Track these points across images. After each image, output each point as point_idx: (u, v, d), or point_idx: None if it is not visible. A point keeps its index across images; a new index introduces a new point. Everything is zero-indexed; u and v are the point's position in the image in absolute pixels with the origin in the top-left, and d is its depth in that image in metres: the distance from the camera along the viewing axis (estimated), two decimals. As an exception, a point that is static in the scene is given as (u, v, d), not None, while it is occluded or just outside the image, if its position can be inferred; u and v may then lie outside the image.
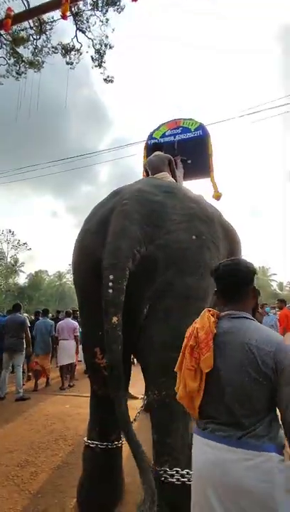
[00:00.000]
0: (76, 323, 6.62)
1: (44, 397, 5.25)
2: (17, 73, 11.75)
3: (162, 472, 1.68)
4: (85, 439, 2.18)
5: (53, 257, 72.85)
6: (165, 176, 3.63)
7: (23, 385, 5.70)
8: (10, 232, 36.13)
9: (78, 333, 6.44)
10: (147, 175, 3.86)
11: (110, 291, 1.68)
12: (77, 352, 6.57)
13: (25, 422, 4.02)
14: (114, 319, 1.64)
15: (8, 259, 36.50)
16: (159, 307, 1.86)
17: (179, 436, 1.75)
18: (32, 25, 10.72)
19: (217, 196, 4.47)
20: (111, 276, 1.70)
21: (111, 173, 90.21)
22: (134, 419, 2.49)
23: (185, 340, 1.25)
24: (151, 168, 3.85)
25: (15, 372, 5.28)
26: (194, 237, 1.95)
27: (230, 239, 2.35)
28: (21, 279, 42.55)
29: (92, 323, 2.07)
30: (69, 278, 49.14)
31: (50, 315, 9.04)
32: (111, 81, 12.96)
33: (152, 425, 1.85)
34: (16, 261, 37.17)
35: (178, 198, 2.12)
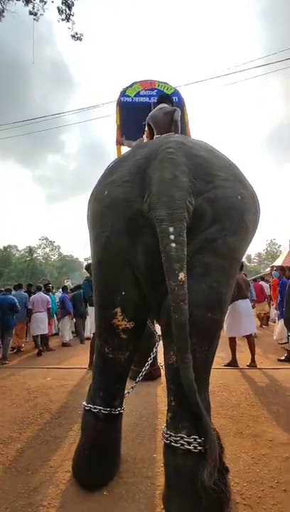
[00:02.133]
0: (48, 297, 7.32)
1: (23, 370, 5.02)
2: (-27, 22, 10.36)
3: (178, 438, 1.58)
4: (85, 403, 2.08)
5: (22, 231, 70.37)
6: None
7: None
8: (-26, 205, 33.89)
9: (50, 306, 7.24)
10: (150, 131, 3.44)
11: (173, 245, 1.52)
12: (50, 323, 7.44)
13: (5, 396, 3.79)
14: (181, 276, 1.50)
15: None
16: (198, 263, 1.71)
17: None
18: None
19: None
20: (171, 229, 1.54)
21: (80, 144, 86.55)
22: (132, 388, 2.35)
23: None
24: (157, 126, 3.38)
25: None
26: (239, 197, 1.84)
27: (257, 210, 2.22)
28: (-11, 255, 40.85)
29: (114, 283, 1.91)
30: (40, 253, 47.86)
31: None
32: (80, 38, 11.75)
33: (169, 389, 1.72)
34: (-18, 236, 35.30)
35: (218, 157, 2.00)
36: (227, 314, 4.95)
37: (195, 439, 1.55)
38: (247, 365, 4.72)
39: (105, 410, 1.99)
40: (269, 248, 46.92)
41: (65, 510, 1.86)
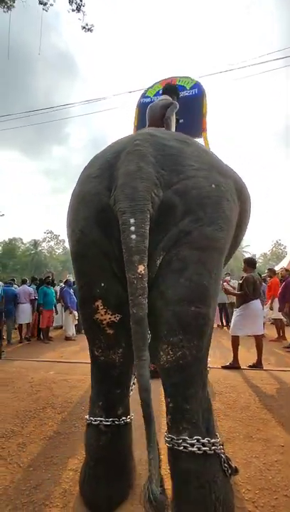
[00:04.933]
0: (31, 289, 8.26)
1: (25, 363, 4.96)
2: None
3: (181, 441, 1.49)
4: (87, 416, 1.88)
5: (28, 224, 70.71)
6: None
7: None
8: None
9: (33, 298, 8.08)
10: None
11: (133, 236, 1.46)
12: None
13: (7, 389, 3.72)
14: (141, 268, 1.44)
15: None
16: (175, 258, 1.63)
17: (198, 401, 1.55)
18: None
19: None
20: (132, 220, 1.49)
21: (84, 137, 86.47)
22: (132, 386, 2.22)
23: None
24: (151, 119, 3.33)
25: None
26: (213, 186, 1.74)
27: (243, 197, 2.12)
28: (-6, 247, 41.07)
29: (93, 275, 1.81)
30: (45, 246, 47.98)
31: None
32: (91, 30, 11.50)
33: (165, 390, 1.62)
34: (-12, 228, 35.45)
35: (193, 146, 1.90)
36: (237, 313, 4.84)
37: (197, 440, 1.47)
38: (251, 366, 4.60)
39: (107, 421, 1.78)
40: (274, 249, 46.56)
41: (67, 511, 1.78)
